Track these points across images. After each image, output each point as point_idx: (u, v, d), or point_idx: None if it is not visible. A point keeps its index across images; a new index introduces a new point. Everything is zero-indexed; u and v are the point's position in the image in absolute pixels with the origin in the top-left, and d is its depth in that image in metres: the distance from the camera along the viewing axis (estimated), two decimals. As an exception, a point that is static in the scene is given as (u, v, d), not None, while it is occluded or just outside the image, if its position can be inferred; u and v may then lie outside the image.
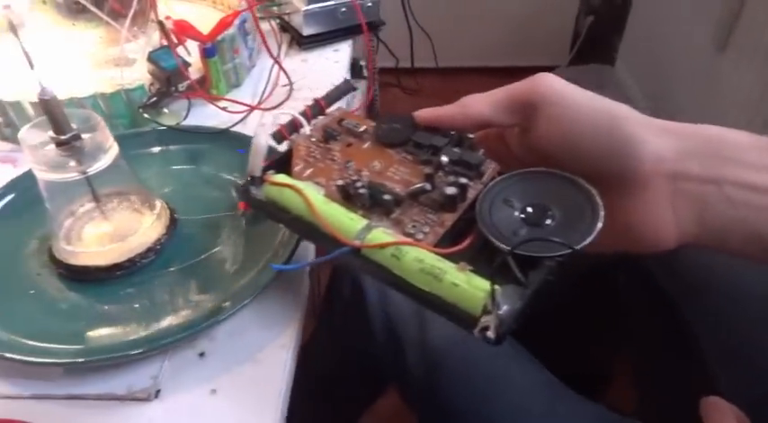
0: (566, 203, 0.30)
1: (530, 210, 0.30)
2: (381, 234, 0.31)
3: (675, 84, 1.41)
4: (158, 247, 0.39)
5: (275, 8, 0.66)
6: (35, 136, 0.35)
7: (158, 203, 0.40)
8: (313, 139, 0.38)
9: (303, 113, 0.39)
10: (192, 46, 0.55)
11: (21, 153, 0.51)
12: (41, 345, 0.34)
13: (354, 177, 0.34)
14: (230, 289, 0.36)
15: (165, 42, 0.54)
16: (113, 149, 0.36)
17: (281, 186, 0.34)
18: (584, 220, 0.29)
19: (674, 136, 0.29)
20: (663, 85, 1.50)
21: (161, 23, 0.55)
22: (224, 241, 0.40)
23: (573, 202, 0.30)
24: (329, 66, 0.63)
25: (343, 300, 0.53)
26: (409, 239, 0.30)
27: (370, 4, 0.66)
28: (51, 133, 0.34)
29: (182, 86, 0.52)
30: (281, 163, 0.36)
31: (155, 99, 0.49)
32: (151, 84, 0.51)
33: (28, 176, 0.43)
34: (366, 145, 0.38)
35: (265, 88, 0.56)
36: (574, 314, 0.61)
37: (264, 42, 0.57)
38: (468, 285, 0.27)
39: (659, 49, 1.52)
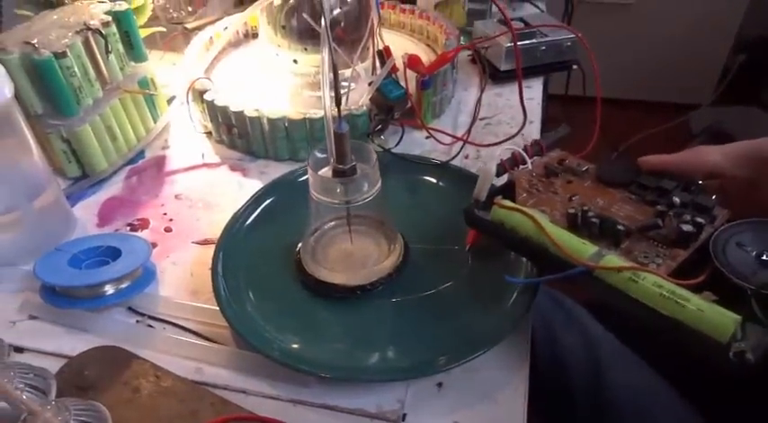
0: None
1: (766, 256, 0.33)
2: (616, 259, 0.33)
3: None
4: (395, 273, 0.41)
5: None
6: (316, 158, 0.38)
7: (397, 232, 0.42)
8: (534, 174, 0.43)
9: (525, 150, 0.44)
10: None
11: (250, 163, 0.56)
12: (293, 350, 0.37)
13: (586, 207, 0.37)
14: (468, 329, 0.38)
15: (379, 70, 0.58)
16: (378, 185, 0.38)
17: (511, 210, 0.37)
18: None
19: None
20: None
21: (380, 53, 0.59)
22: (452, 276, 0.41)
23: None
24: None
25: None
26: (644, 267, 0.33)
27: (569, 44, 0.66)
28: (333, 162, 0.37)
29: (397, 114, 0.55)
30: (502, 192, 0.40)
31: (380, 126, 0.52)
32: (370, 110, 0.55)
33: (282, 185, 0.48)
34: (587, 183, 0.42)
35: (472, 122, 0.57)
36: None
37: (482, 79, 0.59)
38: (715, 313, 0.30)
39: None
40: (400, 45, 0.71)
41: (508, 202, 0.38)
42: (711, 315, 0.30)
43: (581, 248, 0.34)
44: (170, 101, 0.65)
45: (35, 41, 0.47)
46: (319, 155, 0.38)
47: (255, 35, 0.72)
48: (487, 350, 0.36)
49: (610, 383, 0.56)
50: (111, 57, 0.52)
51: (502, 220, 0.38)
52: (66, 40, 0.48)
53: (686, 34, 1.87)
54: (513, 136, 0.52)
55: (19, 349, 0.39)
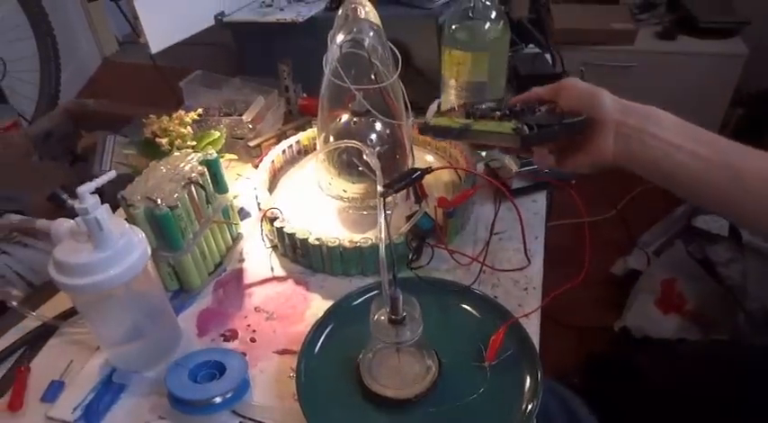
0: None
1: None
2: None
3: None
4: (432, 388, 0.54)
5: (489, 165, 0.82)
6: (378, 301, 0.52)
7: (433, 350, 0.56)
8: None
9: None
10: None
11: (311, 276, 0.70)
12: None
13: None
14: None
15: (412, 197, 0.72)
16: (421, 328, 0.52)
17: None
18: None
19: (623, 104, 0.54)
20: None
21: (415, 188, 0.73)
22: (476, 389, 0.55)
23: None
24: (530, 216, 0.78)
25: None
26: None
27: (568, 167, 0.80)
28: (389, 313, 0.51)
29: (428, 241, 0.69)
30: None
31: (416, 256, 0.66)
32: (407, 237, 0.68)
33: (340, 310, 0.62)
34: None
35: (488, 240, 0.71)
36: None
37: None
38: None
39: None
40: (426, 161, 0.85)
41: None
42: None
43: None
44: (240, 211, 0.80)
45: (155, 196, 0.62)
46: (380, 301, 0.52)
47: (307, 152, 0.87)
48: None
49: None
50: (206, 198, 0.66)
51: (440, 123, 0.61)
52: (177, 194, 0.63)
53: (685, 90, 1.99)
54: (523, 268, 0.66)
55: (154, 444, 0.53)
